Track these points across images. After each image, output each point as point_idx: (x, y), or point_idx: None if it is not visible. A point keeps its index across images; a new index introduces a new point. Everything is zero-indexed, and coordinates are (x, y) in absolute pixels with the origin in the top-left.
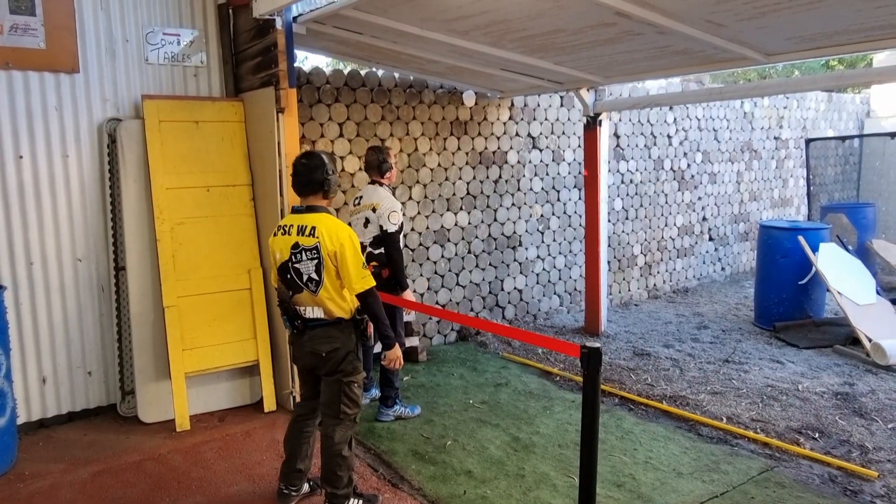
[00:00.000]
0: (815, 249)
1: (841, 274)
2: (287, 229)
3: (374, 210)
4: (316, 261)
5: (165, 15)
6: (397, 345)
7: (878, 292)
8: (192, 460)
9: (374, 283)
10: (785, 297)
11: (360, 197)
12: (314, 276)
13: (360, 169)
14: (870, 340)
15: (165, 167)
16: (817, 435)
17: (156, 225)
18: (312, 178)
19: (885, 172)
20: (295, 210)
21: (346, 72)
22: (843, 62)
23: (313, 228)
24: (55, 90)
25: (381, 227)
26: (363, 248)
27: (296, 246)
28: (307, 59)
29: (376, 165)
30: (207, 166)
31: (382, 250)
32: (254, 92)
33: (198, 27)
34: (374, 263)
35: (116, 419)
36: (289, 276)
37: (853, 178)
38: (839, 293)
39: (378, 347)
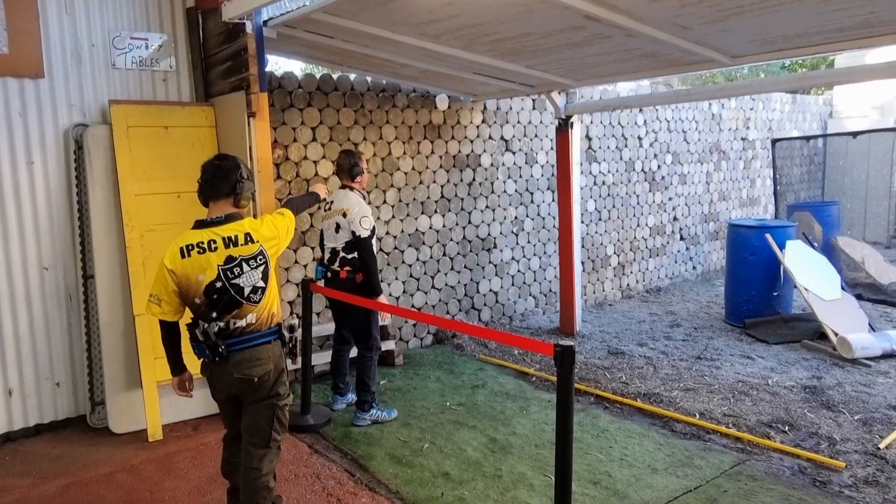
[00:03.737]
0: (782, 247)
1: (807, 271)
2: (206, 246)
3: (344, 215)
4: (263, 266)
5: (132, 19)
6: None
7: (843, 288)
8: (164, 470)
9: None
10: (754, 295)
11: (331, 202)
12: (261, 283)
13: (334, 173)
14: (836, 335)
15: (134, 173)
16: (787, 428)
17: (125, 232)
18: (225, 180)
19: (849, 171)
20: (205, 223)
21: (318, 76)
22: (807, 64)
23: (248, 235)
24: (19, 96)
25: (353, 232)
26: (336, 253)
27: (230, 260)
28: (280, 64)
29: (347, 169)
30: (178, 172)
31: (356, 255)
32: (224, 96)
33: (166, 31)
34: (347, 268)
35: (86, 431)
36: (216, 296)
37: (818, 177)
38: (806, 289)
39: (354, 352)
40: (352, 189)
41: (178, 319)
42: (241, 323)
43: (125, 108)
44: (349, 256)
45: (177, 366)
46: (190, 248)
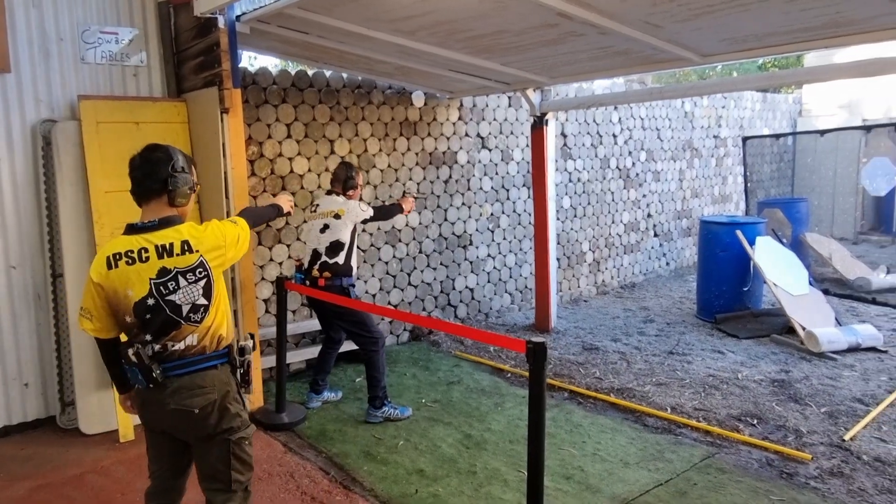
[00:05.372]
0: (752, 243)
1: (776, 266)
2: (136, 255)
3: (337, 216)
4: (205, 280)
5: (102, 13)
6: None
7: (810, 283)
8: (136, 471)
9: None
10: (725, 290)
11: (317, 205)
12: (202, 300)
13: (309, 170)
14: (804, 329)
15: (104, 170)
16: (755, 421)
17: (95, 230)
18: (153, 175)
19: (817, 168)
20: (137, 228)
21: (293, 72)
22: (778, 64)
23: (185, 243)
24: None
25: (354, 226)
26: (317, 256)
27: (164, 272)
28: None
29: (343, 180)
30: None
31: (337, 260)
32: (197, 92)
33: (137, 25)
34: (326, 274)
35: (56, 432)
36: (148, 315)
37: (787, 174)
38: (775, 284)
39: (342, 348)
40: (339, 195)
41: (113, 337)
42: (180, 346)
43: (95, 104)
44: (331, 261)
45: (122, 384)
46: (118, 257)
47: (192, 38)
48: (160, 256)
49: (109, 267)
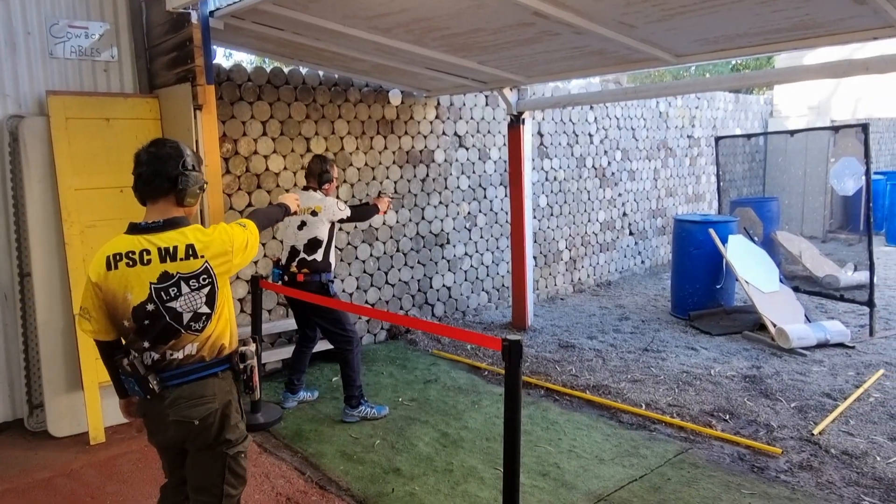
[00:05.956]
0: (724, 242)
1: (748, 264)
2: (137, 257)
3: (314, 213)
4: (209, 287)
5: (71, 7)
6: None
7: (781, 280)
8: (107, 474)
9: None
10: (699, 288)
11: None
12: (205, 308)
13: (285, 168)
14: (774, 326)
15: (74, 167)
16: (728, 416)
17: (64, 228)
18: (161, 174)
19: (787, 168)
20: (140, 228)
21: (268, 69)
22: (749, 65)
23: (190, 247)
24: None
25: (331, 226)
26: (295, 253)
27: (165, 277)
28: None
29: (317, 174)
30: (121, 166)
31: (315, 257)
32: (169, 88)
33: (108, 20)
34: (305, 271)
35: (24, 435)
36: (147, 321)
37: (759, 174)
38: (747, 282)
39: (317, 347)
40: (316, 191)
41: (113, 339)
42: (178, 355)
43: (64, 100)
44: (309, 258)
45: (122, 389)
46: (118, 258)
47: (165, 33)
48: (163, 260)
49: (109, 268)
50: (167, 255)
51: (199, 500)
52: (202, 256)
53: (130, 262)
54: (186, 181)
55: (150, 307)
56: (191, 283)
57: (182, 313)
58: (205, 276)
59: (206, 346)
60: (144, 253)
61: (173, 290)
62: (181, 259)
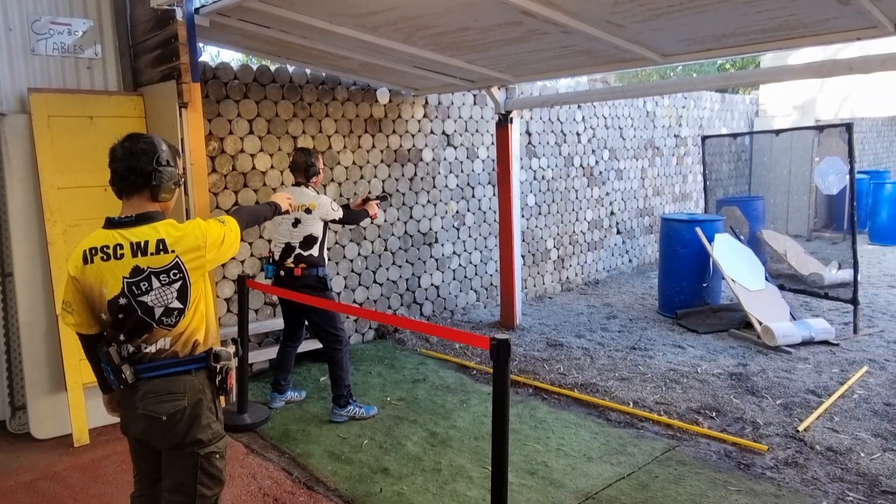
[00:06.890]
0: (711, 240)
1: (734, 263)
2: (111, 251)
3: (308, 211)
4: (180, 282)
5: (54, 3)
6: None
7: (767, 279)
8: (91, 476)
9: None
10: (685, 286)
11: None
12: (176, 304)
13: (272, 167)
14: (760, 324)
15: (56, 165)
16: (714, 414)
17: (46, 227)
18: (135, 169)
19: (773, 167)
20: (115, 223)
21: (254, 67)
22: (735, 65)
23: (160, 242)
24: None
25: (325, 223)
26: (291, 249)
27: (137, 272)
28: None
29: (303, 168)
30: (104, 164)
31: (312, 252)
32: (154, 86)
33: (91, 16)
34: (302, 265)
35: (6, 437)
36: (121, 315)
37: (745, 173)
38: (733, 280)
39: (300, 348)
40: (307, 186)
41: (95, 332)
42: (151, 349)
43: (46, 97)
44: (305, 253)
45: (105, 384)
46: (94, 252)
47: (149, 30)
48: (134, 254)
49: (86, 262)
50: (139, 249)
51: (172, 500)
52: (173, 251)
53: (105, 257)
54: (161, 177)
55: (122, 301)
56: (161, 277)
57: (153, 308)
58: (175, 271)
59: (179, 342)
60: (118, 247)
61: (144, 285)
62: (151, 254)
